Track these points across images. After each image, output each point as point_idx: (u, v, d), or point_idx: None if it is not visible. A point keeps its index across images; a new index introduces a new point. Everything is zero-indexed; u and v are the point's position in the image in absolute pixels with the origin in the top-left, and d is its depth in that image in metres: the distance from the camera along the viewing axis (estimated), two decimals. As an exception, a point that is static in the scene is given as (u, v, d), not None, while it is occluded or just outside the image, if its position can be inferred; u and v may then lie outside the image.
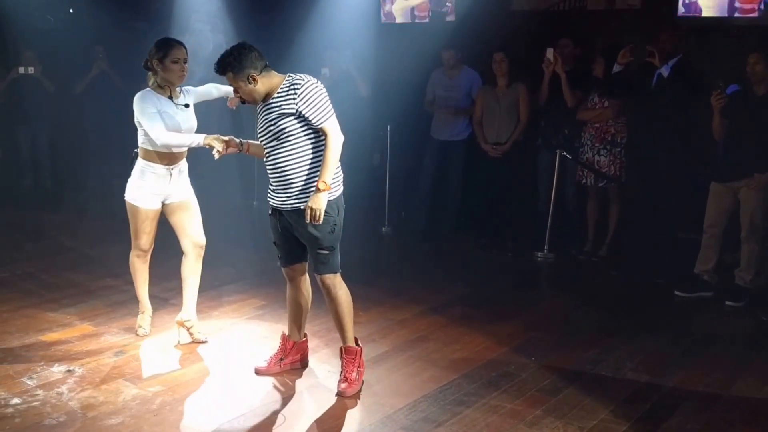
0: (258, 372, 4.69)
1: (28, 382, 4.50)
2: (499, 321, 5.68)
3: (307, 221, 4.22)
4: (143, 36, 9.44)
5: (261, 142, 4.40)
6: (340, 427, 4.09)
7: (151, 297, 6.00)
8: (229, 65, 4.19)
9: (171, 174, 4.98)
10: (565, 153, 7.21)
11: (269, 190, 4.45)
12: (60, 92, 9.59)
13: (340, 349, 4.55)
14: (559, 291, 6.72)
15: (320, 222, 4.20)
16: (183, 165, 5.09)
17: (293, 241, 4.48)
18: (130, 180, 5.05)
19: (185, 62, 4.83)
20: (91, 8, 9.44)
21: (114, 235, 7.79)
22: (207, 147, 4.65)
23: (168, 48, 4.80)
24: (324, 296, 4.50)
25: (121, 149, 9.66)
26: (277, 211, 4.44)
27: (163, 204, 5.06)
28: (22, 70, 9.22)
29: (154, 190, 4.98)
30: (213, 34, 8.99)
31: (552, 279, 7.17)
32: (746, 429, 4.13)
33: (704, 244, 6.32)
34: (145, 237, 5.08)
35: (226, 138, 4.66)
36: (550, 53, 7.16)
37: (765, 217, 6.01)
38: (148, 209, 5.00)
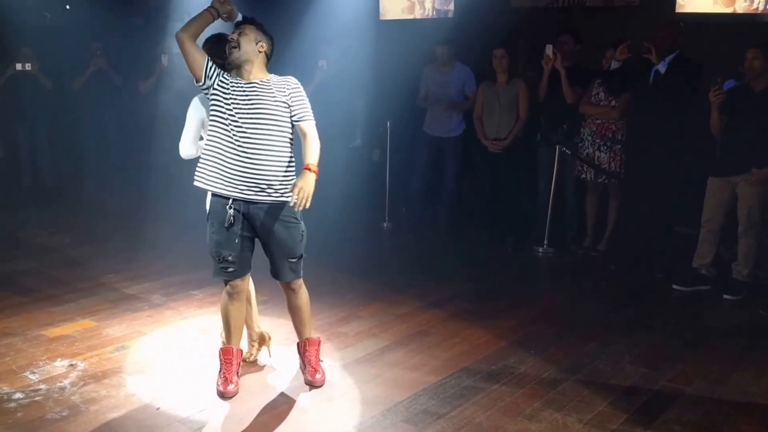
0: (230, 394, 4.35)
1: (31, 376, 4.53)
2: (499, 315, 5.71)
3: (293, 203, 4.04)
4: (140, 32, 9.49)
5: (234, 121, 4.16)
6: (342, 421, 4.12)
7: (152, 292, 6.09)
8: (258, 25, 4.26)
9: None
10: (564, 149, 7.24)
11: (238, 180, 4.13)
12: (58, 89, 9.60)
13: (304, 342, 4.56)
14: (559, 285, 6.75)
15: (308, 206, 4.06)
16: None
17: (249, 247, 4.33)
18: None
19: None
20: (88, 4, 9.44)
21: (113, 232, 7.88)
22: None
23: (213, 45, 4.50)
24: (290, 299, 4.47)
25: (119, 146, 9.78)
26: (242, 208, 4.18)
27: None
28: (19, 66, 9.21)
29: None
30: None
31: (551, 273, 7.20)
32: (743, 421, 4.15)
33: (702, 239, 6.35)
34: None
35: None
36: (549, 49, 7.18)
37: (762, 211, 6.04)
38: None
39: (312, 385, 4.47)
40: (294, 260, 4.33)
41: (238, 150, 4.13)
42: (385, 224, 8.42)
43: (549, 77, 7.28)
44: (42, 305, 5.74)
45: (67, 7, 10.27)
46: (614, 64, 6.84)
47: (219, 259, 4.27)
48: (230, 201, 4.19)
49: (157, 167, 8.74)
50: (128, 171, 9.61)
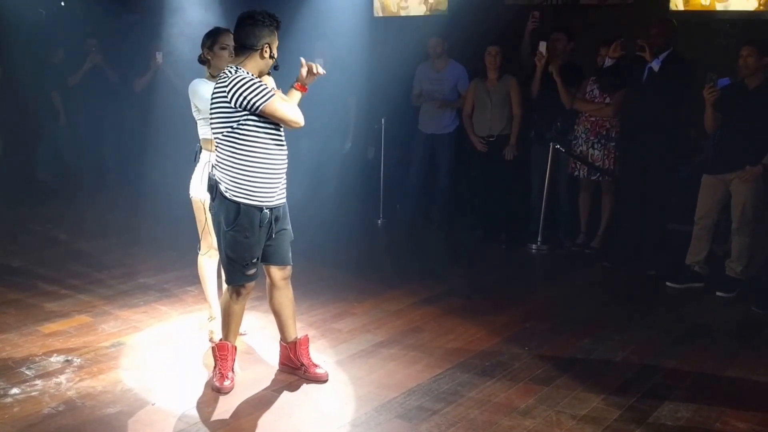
0: (226, 390, 4.36)
1: (27, 372, 4.54)
2: (493, 312, 5.73)
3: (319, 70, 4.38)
4: (136, 29, 9.47)
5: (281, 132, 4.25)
6: (336, 416, 4.13)
7: (147, 288, 6.09)
8: None
9: None
10: (558, 146, 7.25)
11: (278, 189, 4.26)
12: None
13: (296, 342, 4.55)
14: (552, 282, 6.77)
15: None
16: None
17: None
18: (193, 176, 4.81)
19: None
20: (83, 1, 9.43)
21: (110, 229, 7.88)
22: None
23: (216, 35, 4.66)
24: (282, 292, 4.48)
25: (114, 143, 9.78)
26: (275, 211, 4.28)
27: None
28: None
29: None
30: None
31: (545, 270, 7.22)
32: (735, 416, 4.18)
33: (695, 236, 6.37)
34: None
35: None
36: (542, 47, 7.17)
37: (756, 208, 6.06)
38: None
39: (319, 380, 4.49)
40: (291, 240, 4.48)
41: (284, 157, 4.26)
42: (379, 221, 8.43)
43: (542, 74, 7.29)
44: (37, 301, 5.75)
45: (62, 3, 10.24)
46: (608, 62, 6.86)
47: (248, 263, 4.25)
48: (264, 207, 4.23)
49: (153, 164, 8.73)
50: (124, 167, 9.61)
